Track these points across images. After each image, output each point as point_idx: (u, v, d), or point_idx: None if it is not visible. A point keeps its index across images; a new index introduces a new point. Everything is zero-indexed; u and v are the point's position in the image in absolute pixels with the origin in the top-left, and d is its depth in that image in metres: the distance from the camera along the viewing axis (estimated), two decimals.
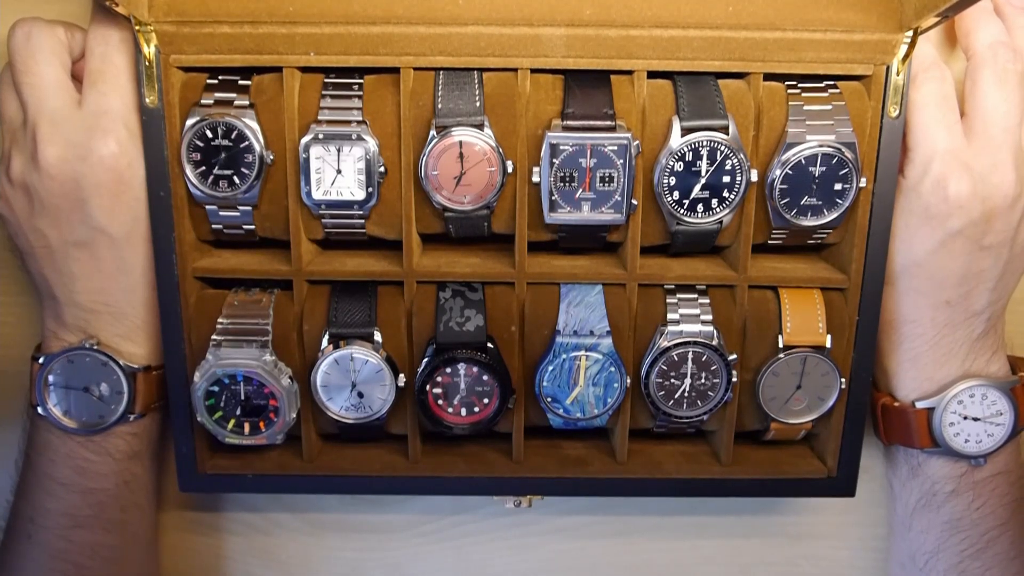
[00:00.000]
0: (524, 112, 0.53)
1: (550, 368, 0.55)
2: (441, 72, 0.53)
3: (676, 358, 0.55)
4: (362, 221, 0.55)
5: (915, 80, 0.53)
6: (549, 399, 0.56)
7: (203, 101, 0.52)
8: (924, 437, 0.58)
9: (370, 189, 0.53)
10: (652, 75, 0.53)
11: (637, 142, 0.52)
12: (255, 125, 0.52)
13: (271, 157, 0.53)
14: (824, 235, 0.56)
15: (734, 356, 0.55)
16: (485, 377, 0.55)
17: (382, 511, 0.67)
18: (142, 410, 0.57)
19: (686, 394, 0.56)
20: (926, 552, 0.60)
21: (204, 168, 0.52)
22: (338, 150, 0.52)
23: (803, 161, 0.52)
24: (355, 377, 0.55)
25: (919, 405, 0.57)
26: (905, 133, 0.54)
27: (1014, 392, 0.56)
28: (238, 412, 0.55)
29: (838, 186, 0.53)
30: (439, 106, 0.52)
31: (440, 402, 0.55)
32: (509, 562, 0.68)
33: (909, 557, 0.62)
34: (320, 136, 0.52)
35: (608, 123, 0.51)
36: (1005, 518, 0.58)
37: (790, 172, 0.52)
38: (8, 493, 0.58)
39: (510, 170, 0.52)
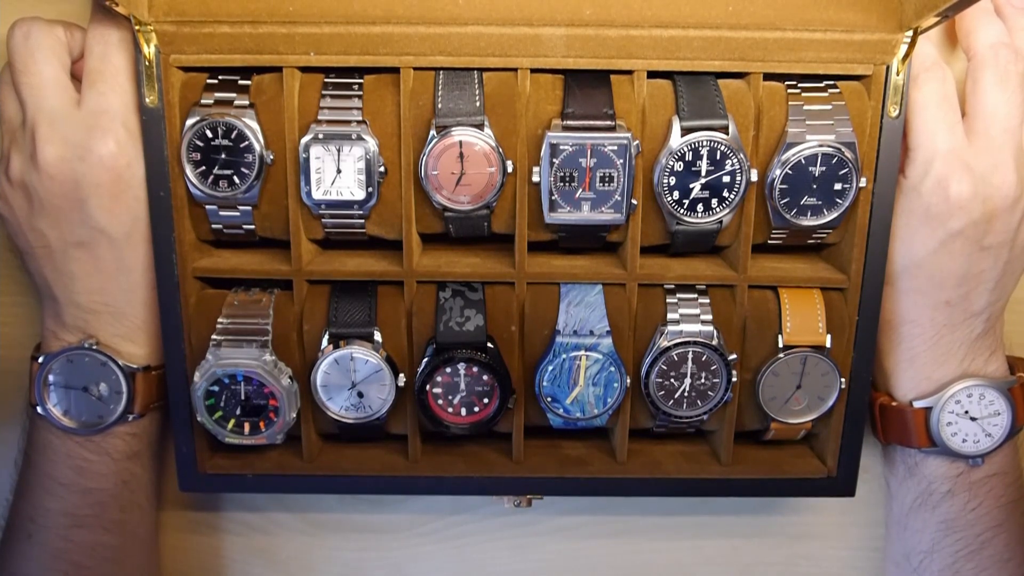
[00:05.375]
0: (524, 112, 0.53)
1: (550, 368, 0.55)
2: (441, 72, 0.53)
3: (676, 358, 0.55)
4: (362, 221, 0.55)
5: (916, 80, 0.53)
6: (549, 399, 0.56)
7: (203, 101, 0.52)
8: (922, 437, 0.58)
9: (370, 189, 0.53)
10: (652, 75, 0.53)
11: (637, 142, 0.52)
12: (255, 125, 0.52)
13: (271, 157, 0.53)
14: (824, 235, 0.56)
15: (734, 356, 0.55)
16: (485, 377, 0.55)
17: (382, 511, 0.68)
18: (141, 410, 0.57)
19: (686, 394, 0.56)
20: (921, 552, 0.60)
21: (204, 168, 0.52)
22: (338, 150, 0.52)
23: (803, 161, 0.52)
24: (355, 377, 0.55)
25: (917, 405, 0.58)
26: (906, 133, 0.54)
27: (1012, 392, 0.57)
28: (238, 412, 0.55)
29: (838, 186, 0.53)
30: (439, 106, 0.52)
31: (440, 402, 0.55)
32: (509, 562, 0.69)
33: (904, 556, 0.62)
34: (320, 136, 0.52)
35: (608, 123, 0.51)
36: (1001, 519, 0.58)
37: (790, 172, 0.52)
38: (8, 493, 0.58)
39: (510, 170, 0.52)
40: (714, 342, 0.55)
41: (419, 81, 0.53)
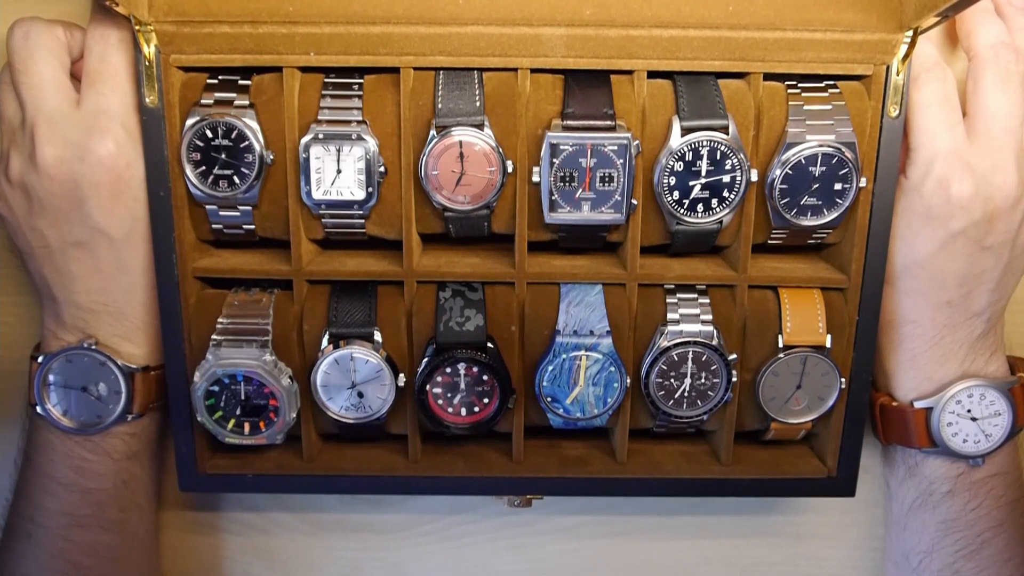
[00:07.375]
0: (524, 112, 0.53)
1: (550, 368, 0.55)
2: (441, 72, 0.53)
3: (676, 358, 0.55)
4: (362, 221, 0.55)
5: (917, 80, 0.53)
6: (549, 399, 0.56)
7: (203, 101, 0.52)
8: (922, 437, 0.58)
9: (370, 189, 0.53)
10: (652, 75, 0.53)
11: (637, 142, 0.52)
12: (255, 125, 0.52)
13: (271, 157, 0.53)
14: (824, 235, 0.56)
15: (734, 356, 0.55)
16: (485, 377, 0.55)
17: (382, 511, 0.67)
18: (140, 410, 0.57)
19: (686, 394, 0.56)
20: (920, 552, 0.60)
21: (204, 168, 0.52)
22: (338, 150, 0.52)
23: (803, 161, 0.52)
24: (355, 377, 0.55)
25: (917, 405, 0.58)
26: (907, 133, 0.54)
27: (1012, 392, 0.57)
28: (238, 412, 0.55)
29: (838, 186, 0.53)
30: (439, 106, 0.52)
31: (440, 402, 0.55)
32: (509, 562, 0.68)
33: (903, 556, 0.62)
34: (320, 136, 0.52)
35: (608, 123, 0.51)
36: (1000, 519, 0.58)
37: (790, 172, 0.52)
38: (8, 492, 0.58)
39: (510, 170, 0.52)
40: (714, 342, 0.55)
41: (419, 81, 0.53)
